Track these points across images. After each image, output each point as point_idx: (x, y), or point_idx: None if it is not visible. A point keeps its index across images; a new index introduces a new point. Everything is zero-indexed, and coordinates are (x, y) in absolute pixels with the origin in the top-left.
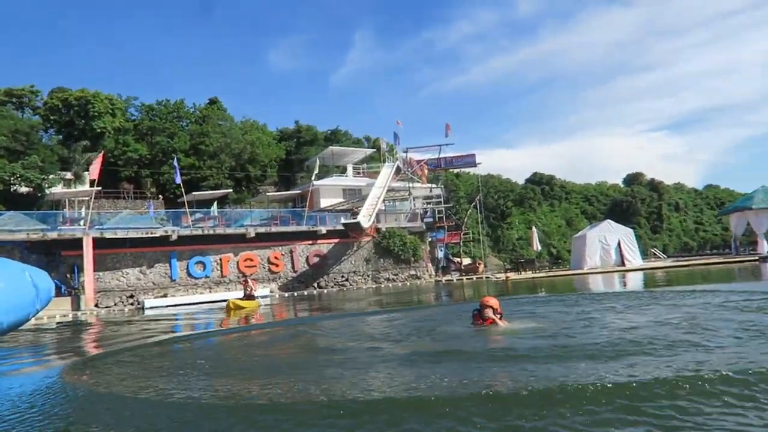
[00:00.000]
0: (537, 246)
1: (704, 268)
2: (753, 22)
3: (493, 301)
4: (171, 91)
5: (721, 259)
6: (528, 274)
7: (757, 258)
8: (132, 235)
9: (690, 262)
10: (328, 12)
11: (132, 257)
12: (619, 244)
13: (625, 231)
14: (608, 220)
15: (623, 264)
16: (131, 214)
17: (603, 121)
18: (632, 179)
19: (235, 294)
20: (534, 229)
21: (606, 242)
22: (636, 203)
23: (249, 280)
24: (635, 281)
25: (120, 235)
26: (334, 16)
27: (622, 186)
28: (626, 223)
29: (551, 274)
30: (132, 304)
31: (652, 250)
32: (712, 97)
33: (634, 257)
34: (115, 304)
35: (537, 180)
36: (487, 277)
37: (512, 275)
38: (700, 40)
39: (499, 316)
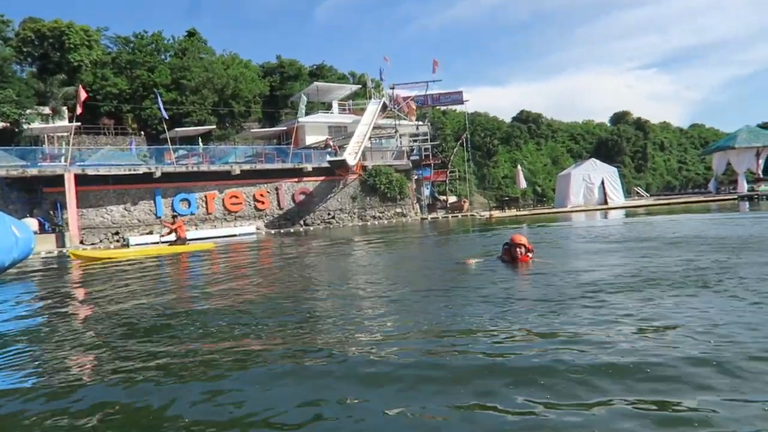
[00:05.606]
0: (522, 184)
1: (684, 206)
2: None
3: (524, 239)
4: (144, 23)
5: (701, 198)
6: (512, 212)
7: (735, 197)
8: (114, 171)
9: (671, 201)
10: None
11: (115, 194)
12: (602, 182)
13: (609, 170)
14: (593, 159)
15: (606, 202)
16: (113, 151)
17: (592, 58)
18: (619, 118)
19: (224, 231)
20: (519, 167)
21: (590, 181)
22: (621, 142)
23: (176, 221)
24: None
25: (102, 171)
26: None
27: (608, 125)
28: (611, 162)
29: (535, 212)
30: (117, 240)
31: (636, 189)
32: (700, 34)
33: (616, 195)
34: (101, 241)
35: (524, 118)
36: (472, 215)
37: (497, 213)
38: None
39: (531, 254)
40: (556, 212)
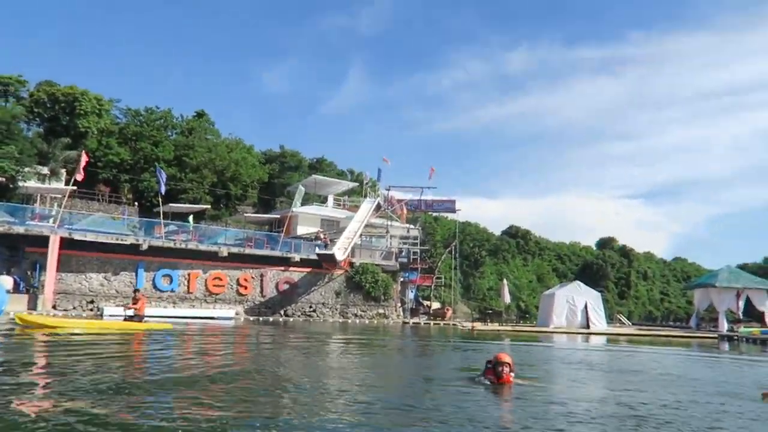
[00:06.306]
0: (507, 298)
1: (665, 339)
2: (727, 106)
3: (509, 358)
4: (157, 98)
5: (682, 333)
6: (495, 326)
7: (715, 336)
8: (102, 239)
9: (652, 332)
10: (325, 42)
11: (98, 262)
12: (586, 306)
13: (593, 294)
14: (577, 282)
15: (588, 326)
16: (104, 218)
17: (582, 182)
18: (604, 243)
19: (202, 312)
20: (505, 281)
21: (573, 303)
22: (606, 267)
23: (138, 296)
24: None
25: (89, 237)
26: (330, 48)
27: (594, 248)
28: (595, 286)
29: (517, 328)
30: (91, 309)
31: (618, 316)
32: (686, 171)
33: (599, 321)
34: (74, 308)
35: (513, 233)
36: (454, 324)
37: (479, 325)
38: (677, 116)
39: (512, 373)
40: (539, 331)
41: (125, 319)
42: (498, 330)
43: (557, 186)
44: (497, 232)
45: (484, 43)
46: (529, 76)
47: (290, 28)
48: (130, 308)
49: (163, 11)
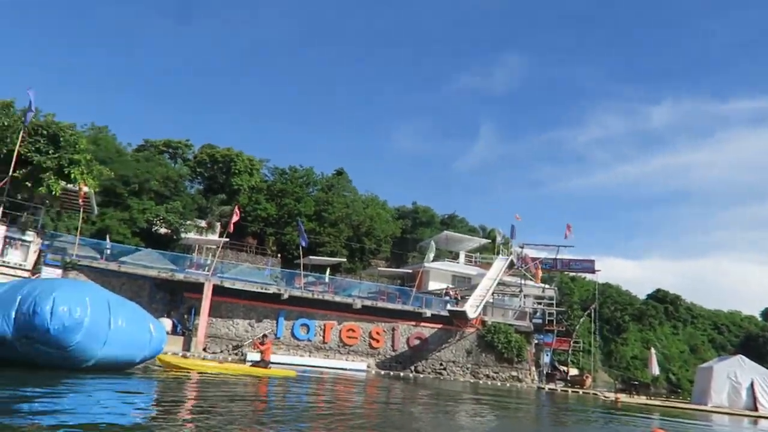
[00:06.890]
0: (655, 369)
1: None
2: None
3: None
4: (301, 158)
5: None
6: (641, 399)
7: None
8: (248, 288)
9: None
10: (458, 101)
11: (244, 309)
12: (752, 384)
13: (761, 371)
14: (741, 356)
15: (756, 408)
16: (251, 268)
17: (739, 243)
18: None
19: (336, 363)
20: (653, 350)
21: (736, 380)
22: None
23: (265, 341)
24: None
25: (238, 285)
26: (463, 106)
27: (759, 318)
28: (762, 362)
29: (668, 403)
30: (236, 354)
31: None
32: None
33: None
34: (221, 351)
35: (660, 297)
36: (594, 393)
37: (623, 396)
38: None
39: None
40: (694, 409)
41: (252, 364)
42: (646, 404)
43: (709, 248)
44: (641, 296)
45: (623, 98)
46: (673, 131)
47: (425, 90)
48: (256, 348)
49: (305, 81)
